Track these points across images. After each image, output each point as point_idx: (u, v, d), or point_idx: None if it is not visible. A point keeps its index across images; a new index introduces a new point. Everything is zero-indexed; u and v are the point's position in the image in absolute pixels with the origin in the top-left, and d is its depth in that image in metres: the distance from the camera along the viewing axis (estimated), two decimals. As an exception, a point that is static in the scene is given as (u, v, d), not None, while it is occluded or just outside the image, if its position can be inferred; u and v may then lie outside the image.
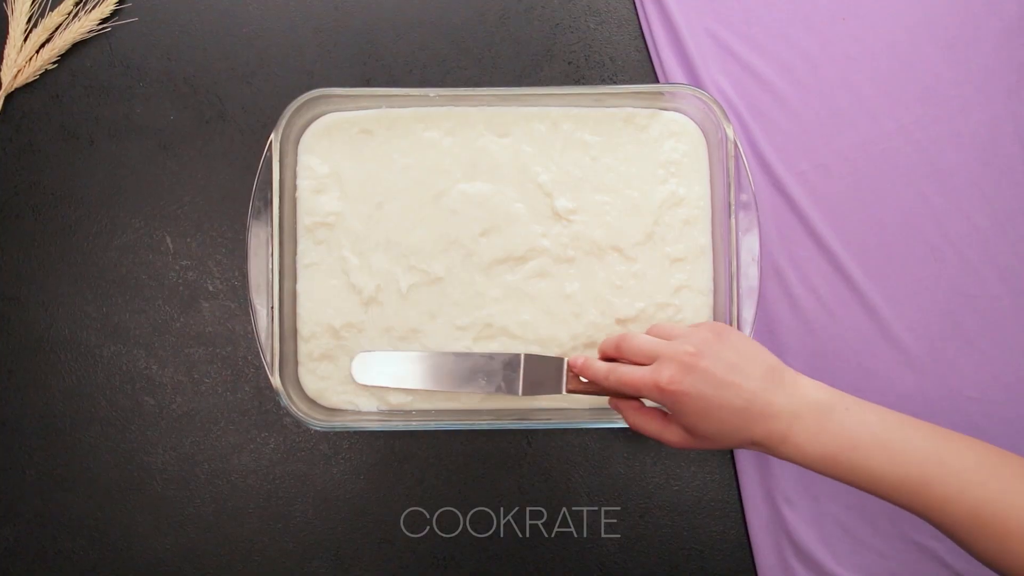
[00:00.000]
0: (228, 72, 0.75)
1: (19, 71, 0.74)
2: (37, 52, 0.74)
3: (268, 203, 0.66)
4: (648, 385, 0.59)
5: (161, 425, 0.74)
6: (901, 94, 0.73)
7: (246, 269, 0.67)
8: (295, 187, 0.70)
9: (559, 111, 0.70)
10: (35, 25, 0.74)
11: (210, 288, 0.74)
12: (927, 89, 0.73)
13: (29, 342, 0.74)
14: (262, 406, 0.74)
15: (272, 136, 0.66)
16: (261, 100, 0.74)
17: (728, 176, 0.66)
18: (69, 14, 0.74)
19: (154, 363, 0.74)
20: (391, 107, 0.70)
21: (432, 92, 0.68)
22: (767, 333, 0.73)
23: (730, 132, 0.66)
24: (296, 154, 0.70)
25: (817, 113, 0.73)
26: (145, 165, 0.74)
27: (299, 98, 0.67)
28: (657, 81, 0.75)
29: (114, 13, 0.75)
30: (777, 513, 0.72)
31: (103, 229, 0.74)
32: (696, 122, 0.70)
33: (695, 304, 0.70)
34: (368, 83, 0.75)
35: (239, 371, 0.74)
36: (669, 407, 0.60)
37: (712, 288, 0.70)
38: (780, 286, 0.73)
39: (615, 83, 0.75)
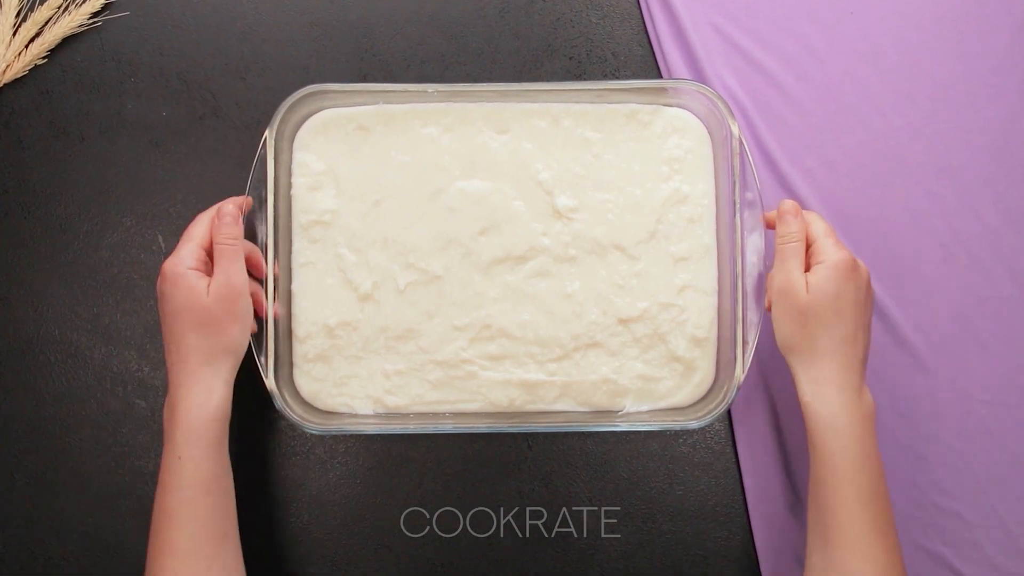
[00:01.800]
0: (222, 67, 0.74)
1: (8, 66, 0.72)
2: (26, 47, 0.73)
3: (263, 201, 0.66)
4: (844, 252, 0.62)
5: (153, 428, 0.73)
6: (910, 90, 0.72)
7: (240, 268, 0.66)
8: (290, 185, 0.69)
9: (560, 107, 0.69)
10: (24, 19, 0.73)
11: (203, 288, 0.73)
12: (936, 85, 0.72)
13: (17, 343, 0.73)
14: (256, 409, 0.73)
15: (267, 133, 0.65)
16: (255, 96, 0.73)
17: (733, 173, 0.65)
18: (59, 8, 0.73)
19: (146, 365, 0.73)
20: (388, 103, 0.69)
21: (430, 88, 0.67)
22: (773, 334, 0.71)
23: (735, 129, 0.65)
24: (291, 151, 0.69)
25: (824, 109, 0.72)
26: (137, 162, 0.73)
27: (294, 94, 0.66)
28: (660, 77, 0.74)
29: (105, 7, 0.73)
30: (783, 519, 0.70)
31: (93, 228, 0.73)
32: (700, 118, 0.69)
33: (699, 304, 0.68)
34: (365, 79, 0.74)
35: (233, 373, 0.73)
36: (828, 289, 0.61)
37: (717, 288, 0.69)
38: (786, 286, 0.71)
39: (617, 79, 0.74)
